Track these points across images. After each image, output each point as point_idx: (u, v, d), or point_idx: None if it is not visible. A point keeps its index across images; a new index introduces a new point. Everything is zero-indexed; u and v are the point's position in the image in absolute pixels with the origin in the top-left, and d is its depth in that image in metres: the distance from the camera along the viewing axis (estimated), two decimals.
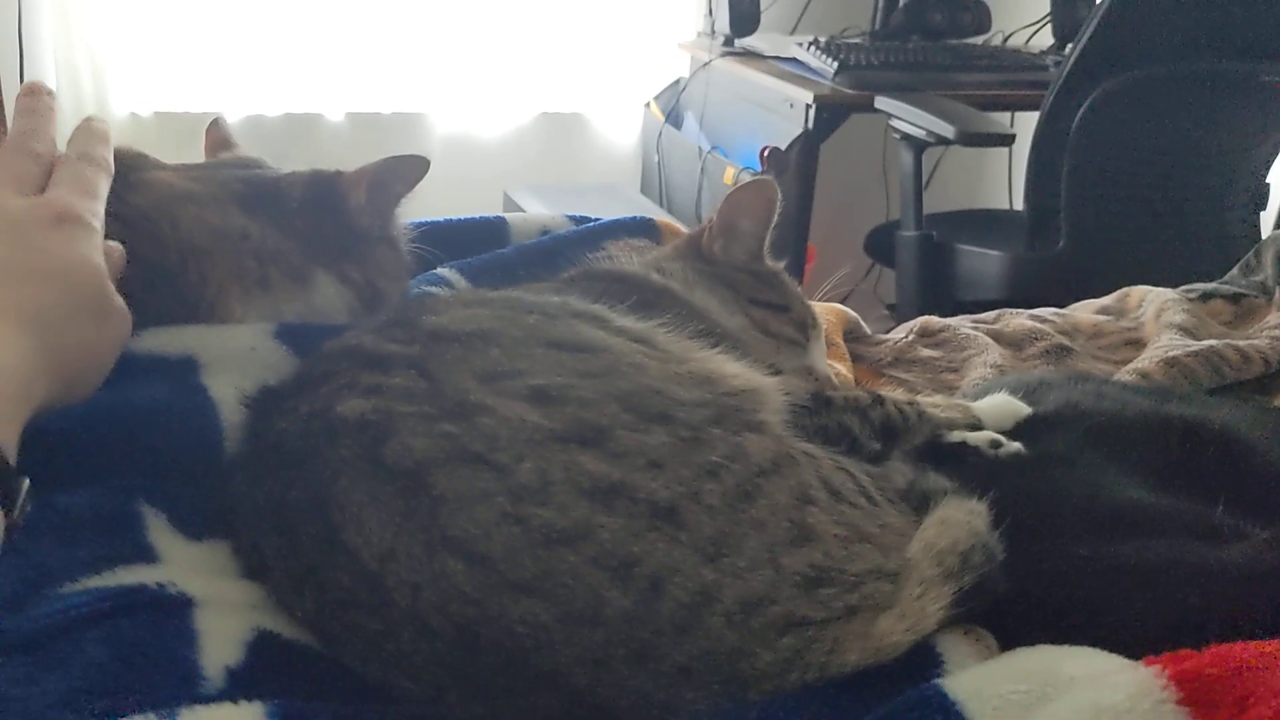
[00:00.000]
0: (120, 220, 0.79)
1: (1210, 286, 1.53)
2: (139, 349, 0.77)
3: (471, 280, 1.06)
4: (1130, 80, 2.11)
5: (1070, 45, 2.21)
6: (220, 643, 0.61)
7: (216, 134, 0.99)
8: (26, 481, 0.57)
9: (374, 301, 0.89)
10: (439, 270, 1.07)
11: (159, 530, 0.68)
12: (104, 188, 0.71)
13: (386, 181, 0.90)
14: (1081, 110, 2.12)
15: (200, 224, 0.81)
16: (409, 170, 0.91)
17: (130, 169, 0.84)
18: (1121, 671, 0.57)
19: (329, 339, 0.76)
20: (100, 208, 0.70)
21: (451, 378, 0.67)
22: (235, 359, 0.78)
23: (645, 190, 3.08)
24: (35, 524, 0.65)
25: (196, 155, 0.97)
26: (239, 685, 0.59)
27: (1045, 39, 2.97)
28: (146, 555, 0.66)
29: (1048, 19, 2.93)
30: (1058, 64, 2.37)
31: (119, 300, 0.68)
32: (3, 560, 0.62)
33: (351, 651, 0.62)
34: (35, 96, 0.74)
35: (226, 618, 0.63)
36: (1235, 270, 1.63)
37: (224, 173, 0.88)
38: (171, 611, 0.62)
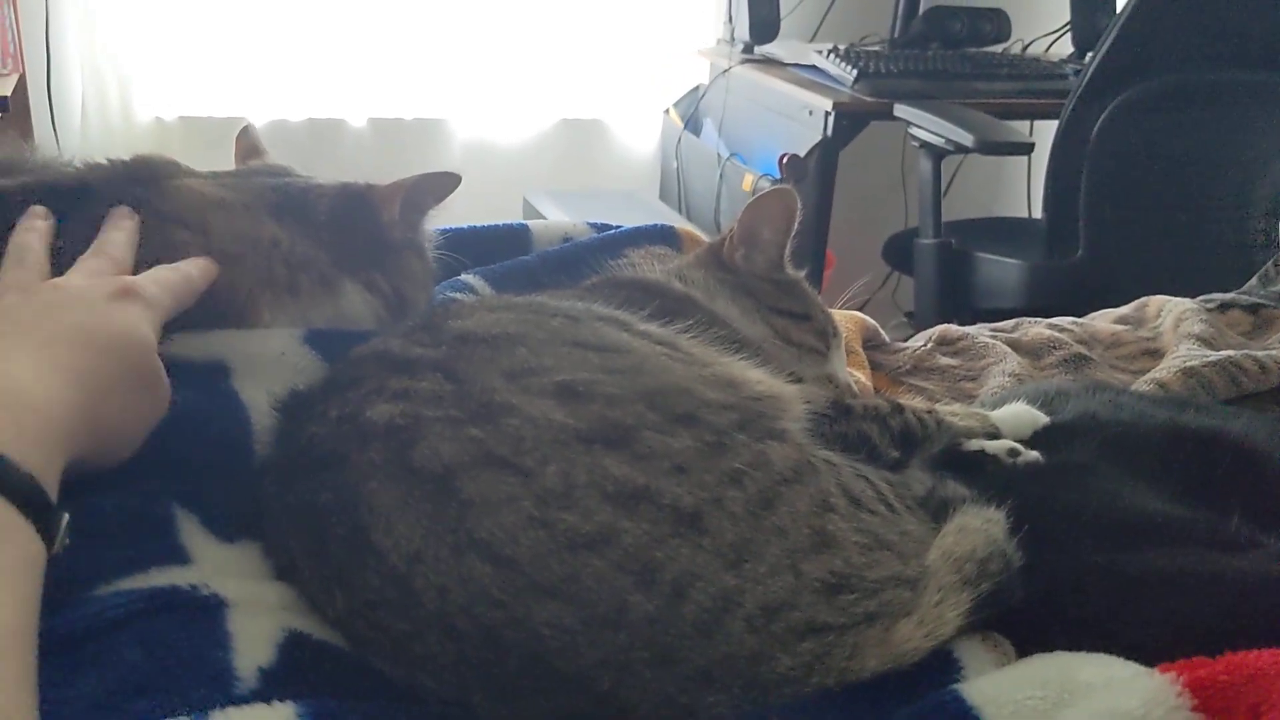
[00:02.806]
0: (151, 227, 0.81)
1: (1229, 296, 1.53)
2: (170, 354, 0.78)
3: (495, 286, 1.08)
4: (1150, 89, 2.11)
5: (1090, 54, 2.21)
6: (253, 643, 0.62)
7: (246, 141, 1.00)
8: (66, 517, 0.59)
9: (401, 308, 0.90)
10: (463, 276, 1.08)
11: (191, 532, 0.69)
12: (180, 288, 0.77)
13: (419, 197, 0.92)
14: (1101, 119, 2.12)
15: (231, 230, 0.82)
16: (441, 186, 0.92)
17: (161, 176, 0.85)
18: (1137, 678, 0.58)
19: (357, 344, 0.77)
20: (167, 299, 0.75)
21: (478, 378, 0.68)
22: (265, 364, 0.79)
23: (664, 197, 3.09)
24: (70, 525, 0.66)
25: (220, 160, 0.98)
26: (271, 685, 0.60)
27: (1065, 48, 2.97)
28: (179, 557, 0.67)
29: (1067, 28, 2.92)
30: (1077, 73, 2.37)
31: (164, 375, 0.72)
32: None
33: (380, 652, 0.63)
34: (122, 218, 0.80)
35: (258, 619, 0.64)
36: (1254, 280, 1.63)
37: (255, 180, 0.89)
38: (204, 613, 0.63)
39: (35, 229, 0.77)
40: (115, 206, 0.80)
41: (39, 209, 0.79)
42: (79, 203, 0.81)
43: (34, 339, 0.65)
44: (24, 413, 0.59)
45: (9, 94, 2.17)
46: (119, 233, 0.79)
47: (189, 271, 0.78)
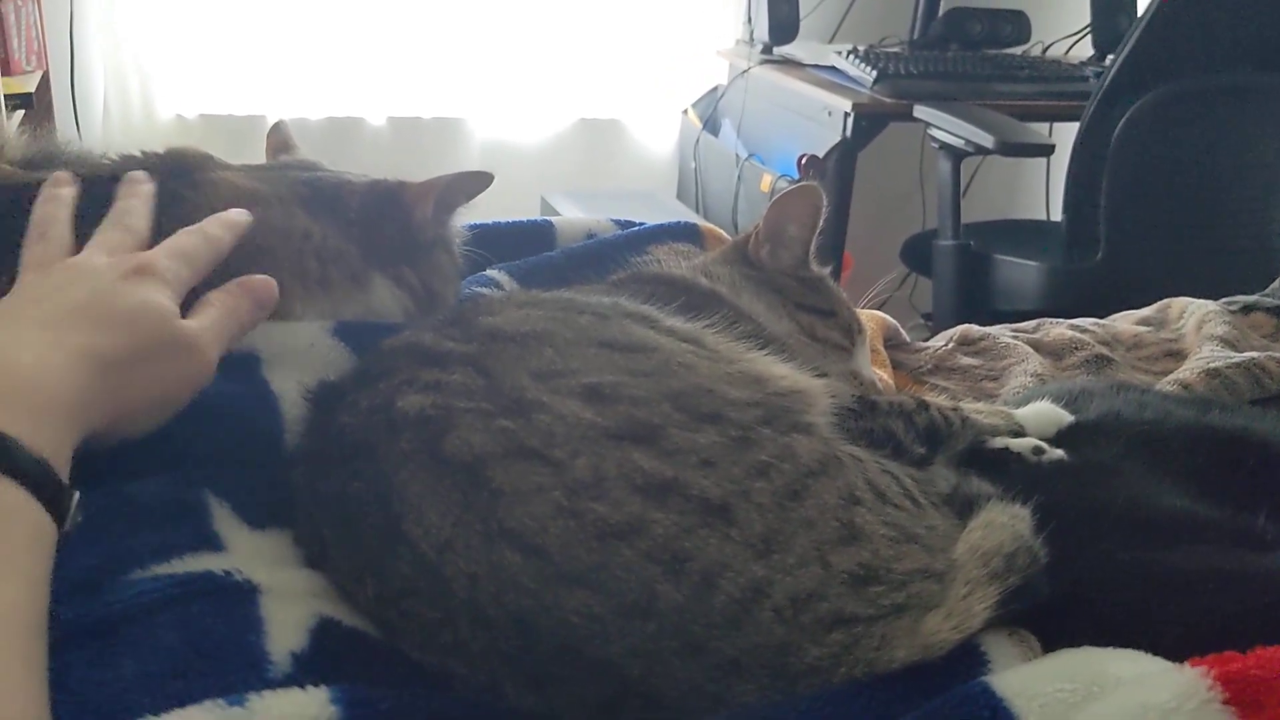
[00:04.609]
0: (184, 219, 0.81)
1: (1251, 299, 1.53)
2: None
3: (520, 282, 1.08)
4: (1171, 92, 2.10)
5: (1110, 56, 2.20)
6: (286, 629, 0.63)
7: (278, 136, 1.01)
8: (77, 495, 0.60)
9: (429, 303, 0.91)
10: (488, 272, 1.09)
11: (224, 519, 0.70)
12: (199, 250, 0.76)
13: (451, 196, 0.93)
14: (1122, 121, 2.11)
15: (264, 223, 0.83)
16: (473, 185, 0.93)
17: (195, 168, 0.86)
18: (1167, 672, 0.58)
19: (386, 337, 0.78)
20: (185, 270, 0.74)
21: (508, 375, 0.68)
22: (295, 355, 0.80)
23: (681, 197, 3.10)
24: (106, 512, 0.67)
25: (240, 157, 0.99)
26: (304, 670, 0.60)
27: (1085, 50, 2.96)
28: (212, 544, 0.68)
29: (1088, 30, 2.92)
30: (1098, 75, 2.37)
31: (194, 338, 0.71)
32: (77, 547, 0.64)
33: (410, 640, 0.64)
34: (135, 185, 0.80)
35: (291, 605, 0.64)
36: (1277, 283, 1.62)
37: (287, 174, 0.90)
38: (238, 598, 0.64)
39: (58, 198, 0.77)
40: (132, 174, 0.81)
41: (62, 174, 0.78)
42: (113, 195, 0.82)
43: (41, 319, 0.66)
44: (32, 394, 0.60)
45: (33, 91, 2.19)
46: (135, 200, 0.78)
47: (210, 231, 0.77)
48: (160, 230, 0.80)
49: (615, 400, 0.67)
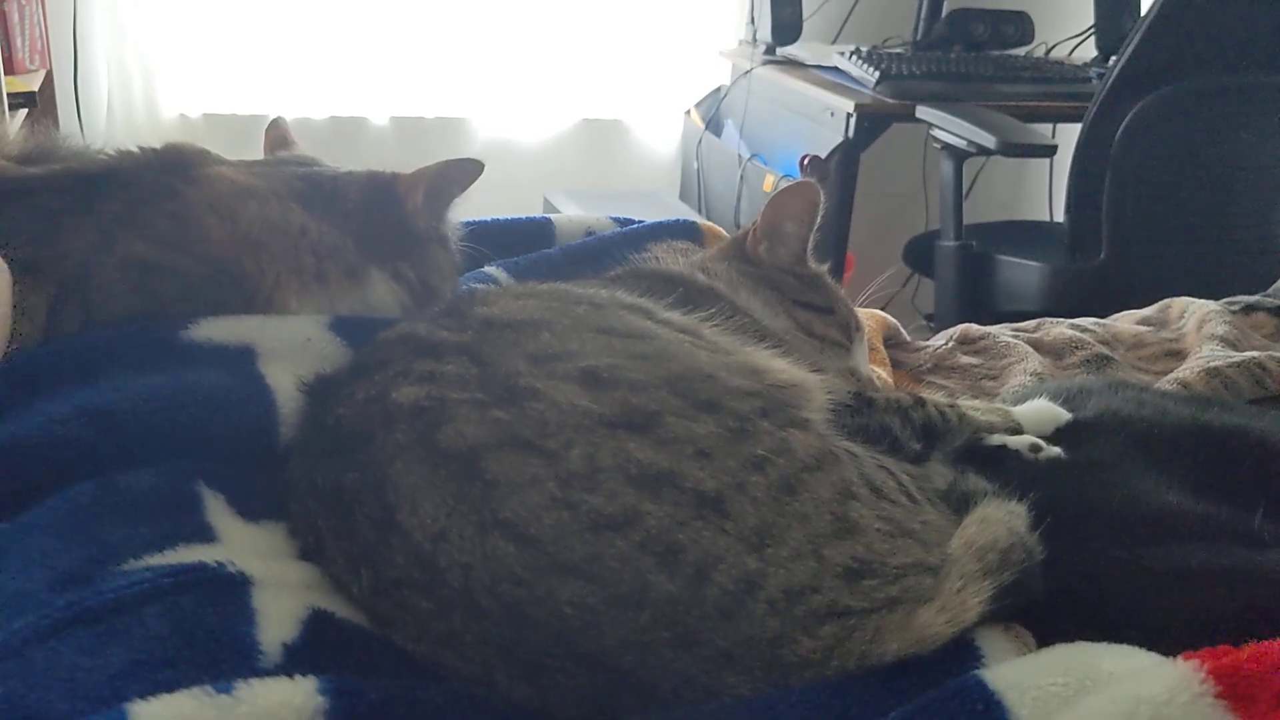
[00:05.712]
0: (181, 214, 0.82)
1: (1253, 299, 1.52)
2: (199, 337, 0.79)
3: (518, 278, 1.08)
4: (1174, 92, 2.10)
5: (1114, 57, 2.20)
6: (277, 620, 0.63)
7: (276, 133, 1.01)
8: None
9: (425, 298, 0.91)
10: (487, 268, 1.09)
11: (217, 511, 0.70)
12: None
13: (442, 185, 0.92)
14: (1124, 122, 2.11)
15: (260, 218, 0.83)
16: (463, 173, 0.93)
17: (192, 164, 0.86)
18: (1160, 666, 0.58)
19: (381, 331, 0.78)
20: None
21: (503, 362, 0.68)
22: (291, 349, 0.80)
23: (684, 197, 3.09)
24: (99, 503, 0.67)
25: (242, 156, 0.99)
26: (294, 660, 0.60)
27: (1088, 51, 2.95)
28: (205, 535, 0.68)
29: (1091, 31, 2.91)
30: (1101, 76, 2.36)
31: None
32: (70, 537, 0.64)
33: (403, 631, 0.64)
34: None
35: (283, 597, 0.64)
36: (1279, 283, 1.62)
37: (284, 170, 0.90)
38: (230, 589, 0.64)
39: None
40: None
41: None
42: (110, 190, 0.82)
43: None
44: None
45: (36, 90, 2.19)
46: None
47: None
48: (156, 225, 0.80)
49: (613, 385, 0.67)
